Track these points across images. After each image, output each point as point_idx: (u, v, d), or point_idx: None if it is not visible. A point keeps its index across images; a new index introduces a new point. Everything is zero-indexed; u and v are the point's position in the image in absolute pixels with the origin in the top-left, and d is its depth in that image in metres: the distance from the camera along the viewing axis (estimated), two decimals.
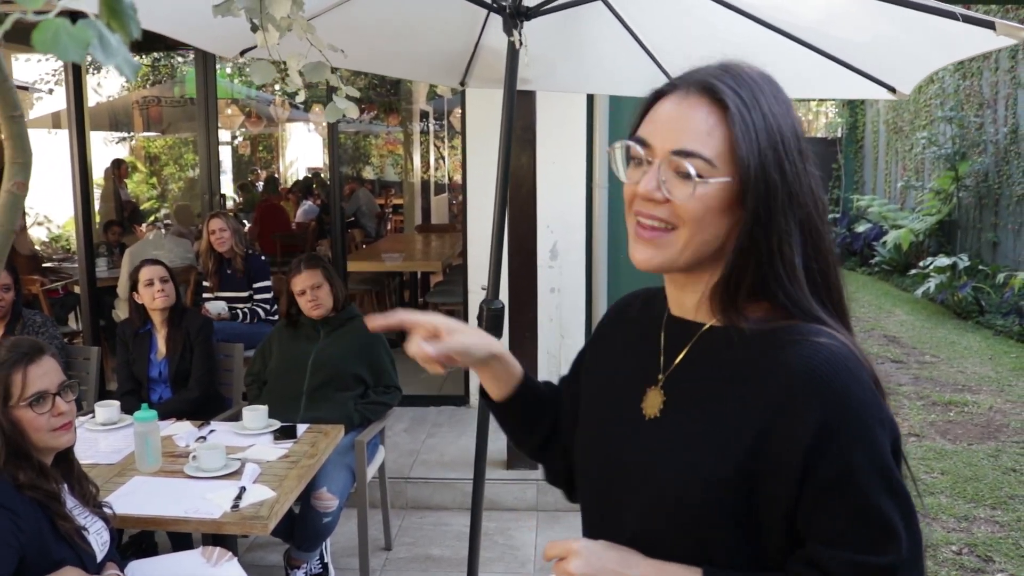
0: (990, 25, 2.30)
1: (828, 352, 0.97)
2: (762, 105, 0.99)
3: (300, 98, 2.06)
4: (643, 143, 1.04)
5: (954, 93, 11.09)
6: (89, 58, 0.84)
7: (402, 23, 3.32)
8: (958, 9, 2.22)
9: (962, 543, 4.00)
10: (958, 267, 9.23)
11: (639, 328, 1.19)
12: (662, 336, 1.13)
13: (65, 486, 2.20)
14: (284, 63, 1.96)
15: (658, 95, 1.06)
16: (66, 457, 2.24)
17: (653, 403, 1.10)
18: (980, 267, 9.37)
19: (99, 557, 2.20)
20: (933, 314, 9.27)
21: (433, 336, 1.15)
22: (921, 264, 10.09)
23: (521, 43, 2.63)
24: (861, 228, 13.12)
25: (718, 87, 1.00)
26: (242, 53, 3.28)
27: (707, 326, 1.07)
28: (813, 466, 0.95)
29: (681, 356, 1.09)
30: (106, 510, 2.33)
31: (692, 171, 0.98)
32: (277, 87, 11.75)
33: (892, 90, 3.00)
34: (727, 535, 1.01)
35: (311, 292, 3.68)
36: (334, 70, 2.11)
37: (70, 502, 2.19)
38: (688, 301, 1.10)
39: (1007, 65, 9.81)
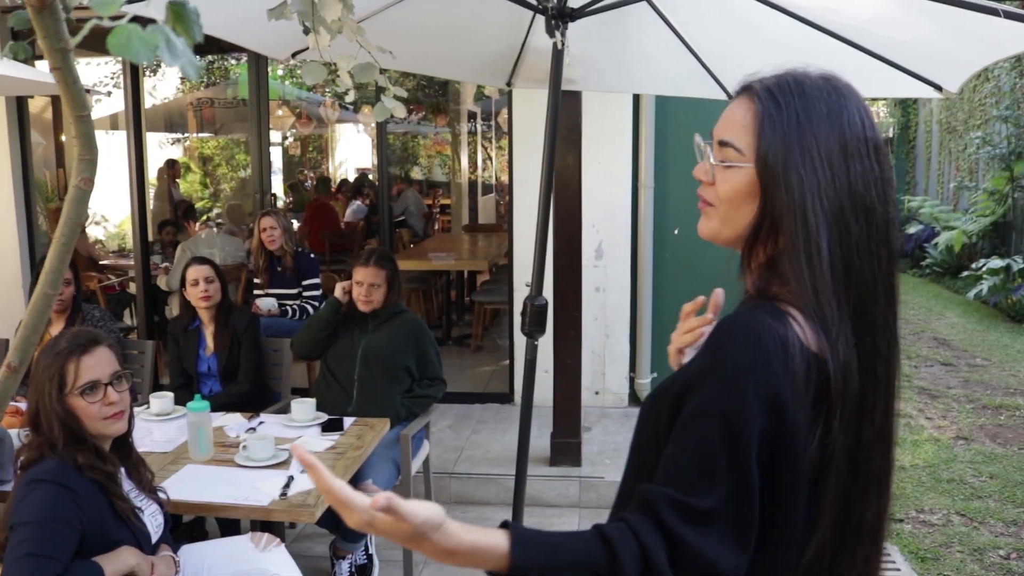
0: None
1: (747, 317, 1.09)
2: (797, 106, 1.11)
3: (350, 98, 2.13)
4: (710, 137, 1.21)
5: (1010, 92, 10.85)
6: (151, 61, 0.90)
7: (449, 25, 3.38)
8: (1000, 5, 2.21)
9: (1010, 548, 3.95)
10: (1012, 269, 9.05)
11: None
12: None
13: (123, 469, 2.30)
14: (334, 64, 2.03)
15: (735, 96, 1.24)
16: (125, 443, 2.34)
17: None
18: None
19: (154, 538, 2.30)
20: (985, 317, 9.10)
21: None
22: (974, 266, 9.90)
23: (564, 44, 2.67)
24: (912, 229, 12.89)
25: (754, 87, 1.16)
26: (294, 55, 3.38)
27: (746, 295, 1.21)
28: (680, 406, 1.07)
29: None
30: (161, 495, 2.43)
31: (713, 157, 1.17)
32: (328, 89, 11.93)
33: (939, 88, 2.98)
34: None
35: (367, 288, 3.77)
36: (383, 71, 2.18)
37: (127, 485, 2.29)
38: (744, 272, 1.24)
39: None
